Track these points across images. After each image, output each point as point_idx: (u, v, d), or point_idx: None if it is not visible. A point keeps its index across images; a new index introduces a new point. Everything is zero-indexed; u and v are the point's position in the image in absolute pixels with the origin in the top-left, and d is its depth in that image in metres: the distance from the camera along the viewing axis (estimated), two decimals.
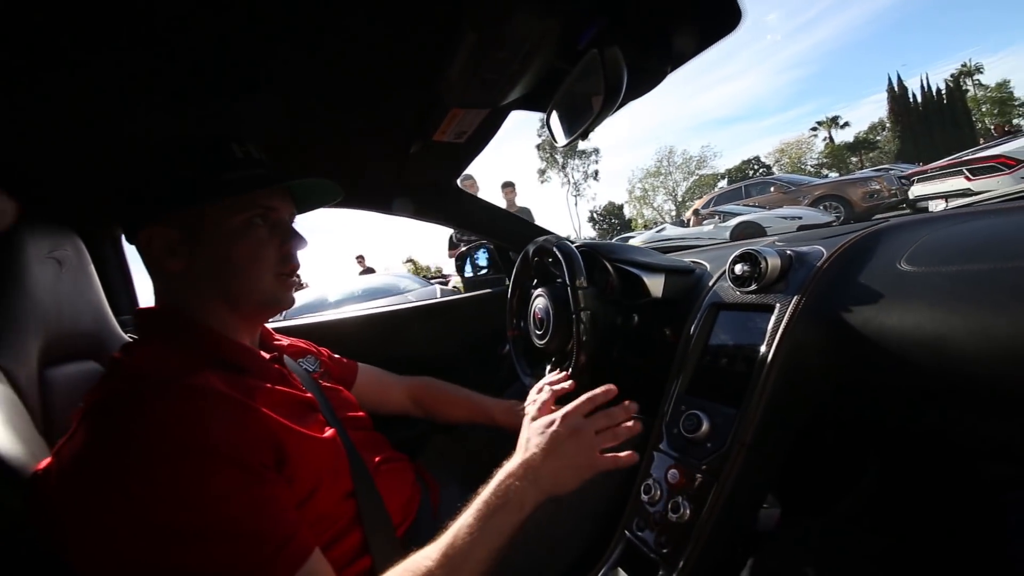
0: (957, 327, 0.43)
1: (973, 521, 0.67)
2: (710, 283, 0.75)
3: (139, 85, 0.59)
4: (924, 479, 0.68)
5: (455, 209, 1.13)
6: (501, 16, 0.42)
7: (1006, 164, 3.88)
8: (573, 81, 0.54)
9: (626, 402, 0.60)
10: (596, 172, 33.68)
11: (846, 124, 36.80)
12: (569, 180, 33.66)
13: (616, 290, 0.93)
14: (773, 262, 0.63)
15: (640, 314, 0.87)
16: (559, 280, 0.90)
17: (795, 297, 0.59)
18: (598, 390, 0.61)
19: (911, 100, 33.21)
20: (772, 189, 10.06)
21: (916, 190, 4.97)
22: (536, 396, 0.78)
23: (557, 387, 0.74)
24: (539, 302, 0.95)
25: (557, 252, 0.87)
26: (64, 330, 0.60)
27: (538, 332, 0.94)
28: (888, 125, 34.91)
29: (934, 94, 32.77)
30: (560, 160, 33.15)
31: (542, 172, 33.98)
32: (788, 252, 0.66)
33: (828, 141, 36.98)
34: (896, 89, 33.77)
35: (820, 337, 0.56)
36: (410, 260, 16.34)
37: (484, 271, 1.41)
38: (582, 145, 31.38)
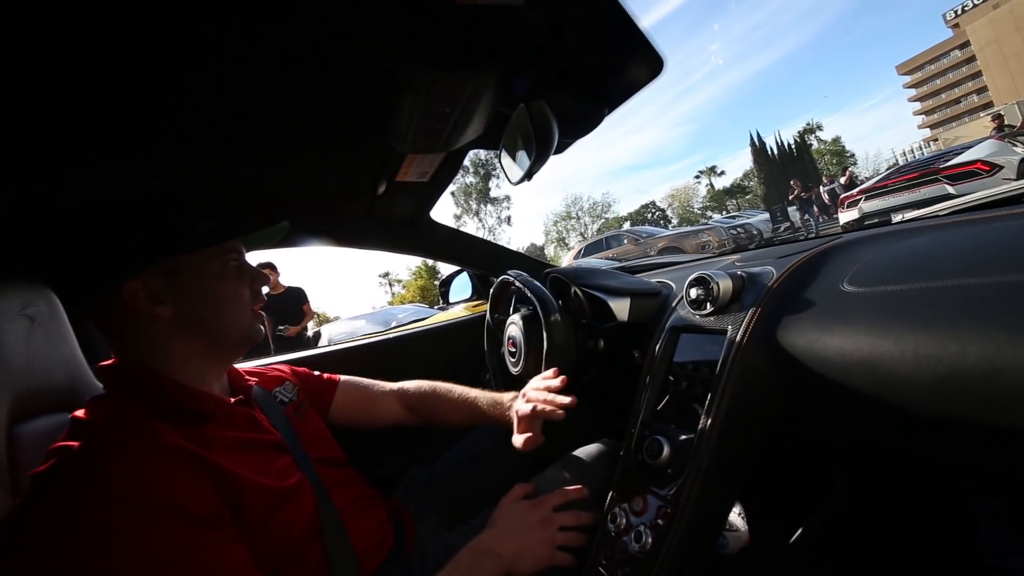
0: (890, 349, 0.43)
1: (946, 529, 0.66)
2: (673, 304, 0.76)
3: (114, 140, 0.60)
4: (893, 491, 0.68)
5: (429, 241, 1.16)
6: (428, 80, 0.45)
7: (982, 169, 4.04)
8: (512, 128, 0.57)
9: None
10: (509, 218, 35.40)
11: (722, 172, 44.83)
12: (484, 225, 35.30)
13: (587, 314, 0.94)
14: (724, 284, 0.64)
15: (609, 337, 0.88)
16: (529, 308, 0.92)
17: (746, 320, 0.59)
18: (572, 489, 0.68)
19: (770, 152, 38.65)
20: (626, 241, 10.72)
21: (867, 206, 5.25)
22: (528, 393, 0.76)
23: (545, 383, 0.74)
24: (512, 330, 0.96)
25: (521, 286, 0.90)
26: (35, 386, 0.61)
27: (512, 360, 0.95)
28: (755, 173, 40.53)
29: (786, 147, 38.58)
30: (474, 207, 34.86)
31: (458, 218, 35.34)
32: (740, 273, 0.66)
33: (709, 187, 43.90)
34: (757, 143, 39.32)
35: (769, 359, 0.56)
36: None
37: (468, 297, 1.44)
38: (494, 192, 34.36)
